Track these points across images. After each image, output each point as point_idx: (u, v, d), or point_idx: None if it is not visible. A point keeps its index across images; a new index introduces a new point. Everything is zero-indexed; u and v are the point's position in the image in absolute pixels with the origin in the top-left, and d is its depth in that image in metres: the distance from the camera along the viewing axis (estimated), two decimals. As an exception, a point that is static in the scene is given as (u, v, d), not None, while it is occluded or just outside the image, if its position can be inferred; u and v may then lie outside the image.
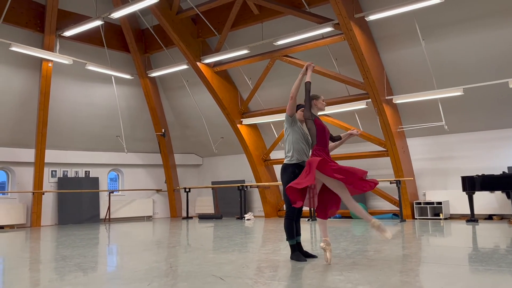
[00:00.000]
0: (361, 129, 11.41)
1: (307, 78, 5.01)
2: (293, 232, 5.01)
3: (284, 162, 5.15)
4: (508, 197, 9.91)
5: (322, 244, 4.71)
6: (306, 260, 4.90)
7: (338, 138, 5.25)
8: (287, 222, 5.04)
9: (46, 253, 6.71)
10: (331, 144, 5.21)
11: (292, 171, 4.99)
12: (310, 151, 5.08)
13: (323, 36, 10.63)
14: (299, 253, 5.02)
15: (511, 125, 10.31)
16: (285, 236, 5.15)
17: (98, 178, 14.04)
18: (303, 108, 5.08)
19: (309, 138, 5.07)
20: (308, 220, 11.40)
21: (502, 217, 10.22)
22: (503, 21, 9.04)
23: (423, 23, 9.52)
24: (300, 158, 5.02)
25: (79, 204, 13.39)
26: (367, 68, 9.99)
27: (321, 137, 4.85)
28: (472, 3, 9.14)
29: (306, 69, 5.03)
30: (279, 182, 13.32)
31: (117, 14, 10.10)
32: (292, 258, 5.00)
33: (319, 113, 5.11)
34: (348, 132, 5.30)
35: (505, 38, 9.19)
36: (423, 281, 3.85)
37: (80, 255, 6.00)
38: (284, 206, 5.24)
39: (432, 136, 11.23)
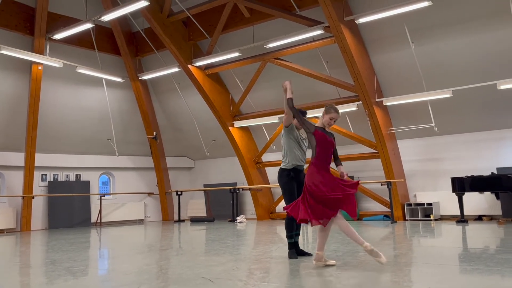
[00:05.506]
0: (352, 131, 11.48)
1: (288, 95, 4.95)
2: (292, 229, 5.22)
3: (280, 166, 5.36)
4: (497, 197, 10.01)
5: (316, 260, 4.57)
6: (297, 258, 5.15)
7: (338, 162, 4.87)
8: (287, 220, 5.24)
9: (36, 257, 6.66)
10: None
11: (287, 174, 5.26)
12: (305, 156, 5.34)
13: (313, 39, 10.69)
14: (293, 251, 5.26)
15: (499, 127, 10.43)
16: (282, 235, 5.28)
17: (89, 181, 13.95)
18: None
19: (305, 144, 5.35)
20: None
21: (491, 218, 10.31)
22: (490, 23, 9.15)
23: (412, 26, 9.61)
24: (295, 163, 5.26)
25: (70, 208, 13.28)
26: (357, 71, 10.06)
27: (321, 150, 4.63)
28: (460, 7, 9.24)
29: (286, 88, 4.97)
30: (271, 185, 13.37)
31: (107, 17, 10.08)
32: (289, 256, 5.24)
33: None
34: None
35: (492, 40, 9.30)
36: (412, 281, 3.88)
37: (70, 259, 5.97)
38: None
39: (422, 137, 11.32)
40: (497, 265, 4.37)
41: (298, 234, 5.34)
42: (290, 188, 5.21)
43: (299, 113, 4.89)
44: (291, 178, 5.22)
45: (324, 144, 4.64)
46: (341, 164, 4.84)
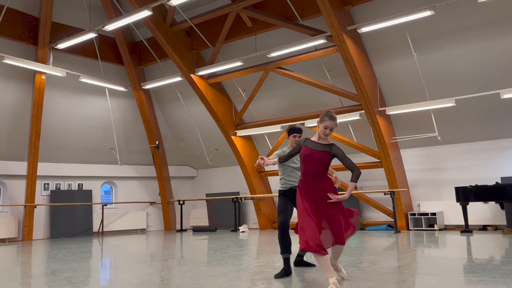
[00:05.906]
0: (355, 140, 11.44)
1: (273, 162, 4.86)
2: (287, 245, 4.96)
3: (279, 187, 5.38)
4: (502, 207, 9.93)
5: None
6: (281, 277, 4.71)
7: (352, 176, 4.21)
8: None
9: (37, 267, 6.61)
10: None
11: (281, 194, 5.26)
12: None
13: (316, 48, 10.70)
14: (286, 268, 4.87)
15: (503, 136, 10.38)
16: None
17: (91, 190, 13.93)
18: (295, 134, 5.22)
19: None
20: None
21: (496, 228, 10.21)
22: (493, 32, 9.14)
23: (414, 35, 9.62)
24: (290, 184, 5.21)
25: (72, 217, 13.25)
26: (360, 80, 10.05)
27: (306, 167, 4.24)
28: (462, 16, 9.25)
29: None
30: (274, 194, 13.30)
31: (111, 27, 10.13)
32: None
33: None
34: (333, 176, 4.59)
35: (495, 49, 9.29)
36: (416, 293, 3.82)
37: (71, 269, 5.92)
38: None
39: (426, 147, 11.27)
40: (503, 276, 4.31)
41: None
42: (282, 208, 5.12)
43: (285, 155, 4.73)
44: (286, 198, 5.15)
45: (308, 160, 4.21)
46: (354, 181, 4.10)
